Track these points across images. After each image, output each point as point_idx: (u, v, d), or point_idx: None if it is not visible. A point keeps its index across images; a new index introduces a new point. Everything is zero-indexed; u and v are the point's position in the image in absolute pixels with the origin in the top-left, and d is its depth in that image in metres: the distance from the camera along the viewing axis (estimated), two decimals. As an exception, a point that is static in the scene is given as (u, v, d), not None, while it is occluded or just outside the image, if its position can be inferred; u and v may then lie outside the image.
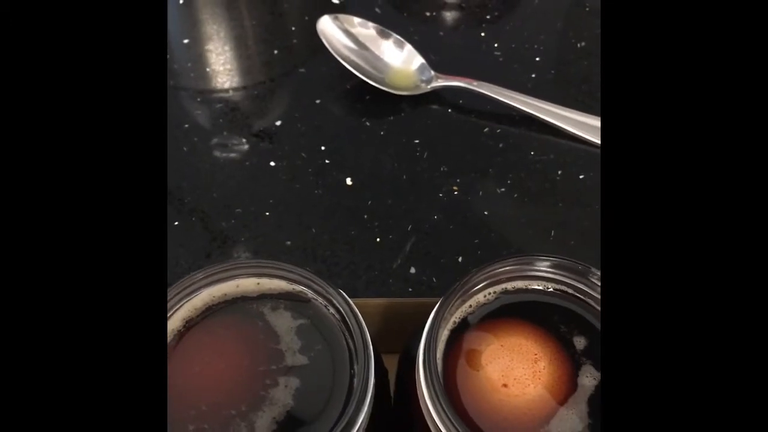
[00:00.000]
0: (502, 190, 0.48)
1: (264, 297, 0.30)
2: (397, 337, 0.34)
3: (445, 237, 0.45)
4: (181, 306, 0.30)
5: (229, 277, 0.30)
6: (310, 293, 0.30)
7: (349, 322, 0.29)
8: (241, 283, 0.30)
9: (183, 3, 0.60)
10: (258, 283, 0.31)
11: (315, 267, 0.44)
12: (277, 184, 0.48)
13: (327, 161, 0.49)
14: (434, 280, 0.43)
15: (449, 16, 0.61)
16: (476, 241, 0.45)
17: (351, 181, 0.48)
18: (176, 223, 0.45)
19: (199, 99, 0.53)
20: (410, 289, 0.43)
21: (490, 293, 0.31)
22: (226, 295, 0.30)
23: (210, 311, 0.30)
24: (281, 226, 0.45)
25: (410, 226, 0.46)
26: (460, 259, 0.44)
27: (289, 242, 0.45)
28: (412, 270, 0.44)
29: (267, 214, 0.46)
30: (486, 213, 0.47)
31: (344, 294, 0.29)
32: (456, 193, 0.48)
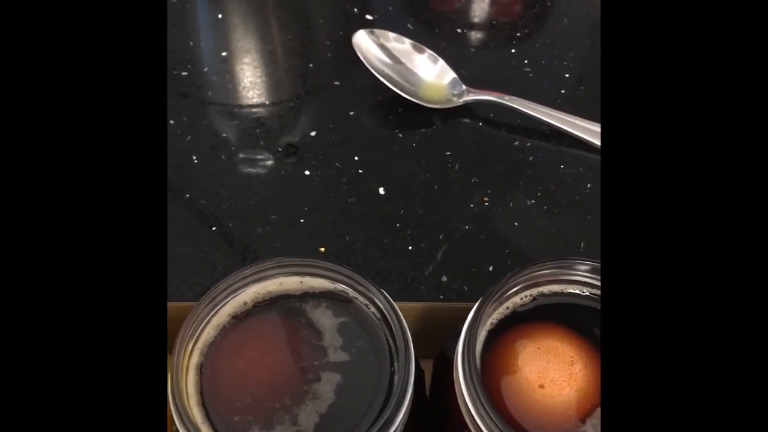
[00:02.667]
0: (532, 201, 0.49)
1: (307, 295, 0.31)
2: (431, 342, 0.35)
3: (476, 246, 0.46)
4: (227, 302, 0.31)
5: (273, 275, 0.31)
6: (351, 292, 0.31)
7: (390, 321, 0.30)
8: (284, 281, 0.31)
9: (221, 17, 0.62)
10: (301, 282, 0.31)
11: (348, 273, 0.44)
12: (312, 193, 0.49)
13: (360, 171, 0.50)
14: (466, 288, 0.44)
15: (480, 33, 0.62)
16: (506, 251, 0.46)
17: (384, 190, 0.49)
18: (213, 228, 0.46)
19: (235, 110, 0.54)
20: (441, 297, 0.44)
21: (527, 296, 0.32)
22: (270, 292, 0.31)
23: (255, 308, 0.31)
24: (315, 233, 0.46)
25: (442, 235, 0.47)
26: (490, 269, 0.45)
27: (323, 249, 0.46)
28: (444, 278, 0.45)
29: (302, 221, 0.47)
30: (516, 224, 0.47)
31: (386, 293, 0.30)
32: (487, 204, 0.48)
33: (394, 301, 0.30)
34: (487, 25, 0.63)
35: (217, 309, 0.30)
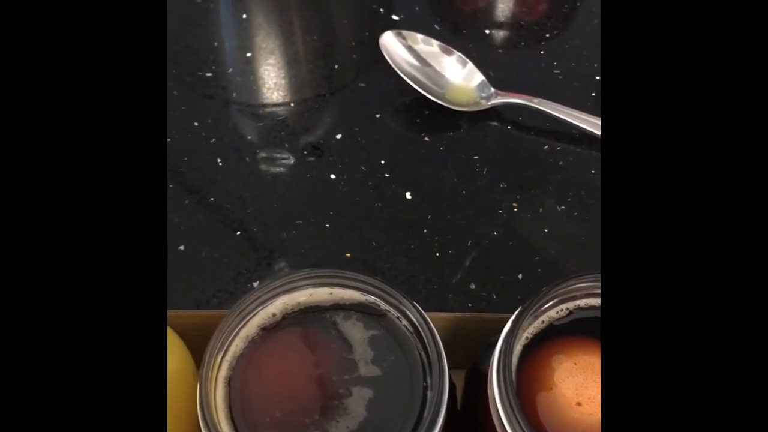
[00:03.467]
0: (562, 207, 0.48)
1: (337, 307, 0.31)
2: (461, 353, 0.34)
3: (505, 253, 0.45)
4: (256, 313, 0.30)
5: (302, 286, 0.31)
6: (383, 304, 0.30)
7: (423, 335, 0.29)
8: (314, 293, 0.31)
9: (246, 17, 0.61)
10: (331, 293, 0.31)
11: (375, 280, 0.44)
12: (338, 197, 0.48)
13: (387, 175, 0.49)
14: (494, 296, 0.43)
15: (508, 34, 0.61)
16: (536, 258, 0.45)
17: (410, 195, 0.48)
18: (238, 233, 0.46)
19: (260, 112, 0.54)
20: (470, 305, 0.43)
21: (563, 309, 0.31)
22: (299, 303, 0.30)
23: (284, 319, 0.30)
24: (342, 238, 0.46)
25: (470, 242, 0.46)
26: (520, 276, 0.44)
27: (349, 254, 0.45)
28: (472, 285, 0.44)
29: (327, 226, 0.46)
30: (546, 230, 0.46)
31: (418, 306, 0.29)
32: (516, 209, 0.48)
33: (423, 309, 0.29)
34: (516, 26, 0.61)
35: (245, 321, 0.30)
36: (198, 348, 0.34)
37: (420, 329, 0.29)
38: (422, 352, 0.29)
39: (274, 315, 0.30)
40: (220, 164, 0.50)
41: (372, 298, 0.31)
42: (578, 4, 0.63)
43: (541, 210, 0.48)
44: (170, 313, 0.36)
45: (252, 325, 0.30)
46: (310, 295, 0.31)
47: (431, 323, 0.29)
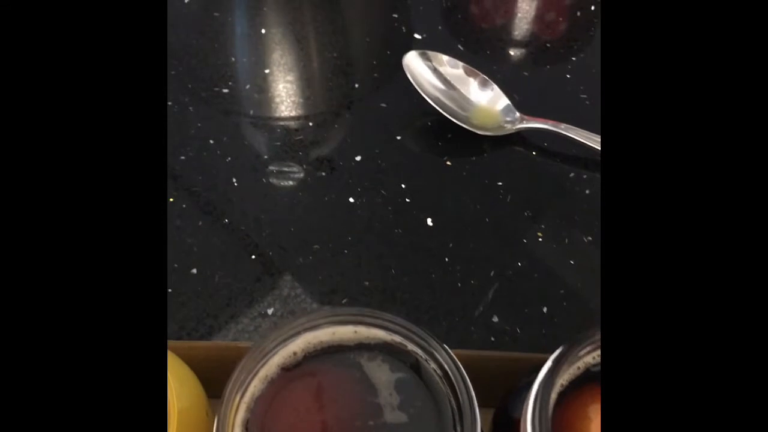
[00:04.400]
0: (589, 238, 0.46)
1: (362, 346, 0.29)
2: (484, 391, 0.33)
3: (530, 285, 0.44)
4: (276, 352, 0.28)
5: (325, 323, 0.29)
6: (410, 345, 0.29)
7: (453, 379, 0.27)
8: (337, 331, 0.29)
9: (264, 33, 0.60)
10: (355, 332, 0.29)
11: (394, 310, 0.42)
12: (356, 222, 0.46)
13: (407, 200, 0.48)
14: (518, 330, 0.42)
15: (534, 55, 0.59)
16: (562, 291, 0.43)
17: (432, 221, 0.47)
18: (253, 257, 0.44)
19: (277, 131, 0.52)
20: (493, 339, 0.41)
21: (600, 355, 0.29)
22: (322, 342, 0.29)
23: (306, 359, 0.28)
24: (360, 266, 0.44)
25: (493, 272, 0.44)
26: (545, 310, 0.42)
27: (367, 282, 0.43)
28: (495, 318, 0.42)
29: (345, 251, 0.45)
30: (572, 262, 0.45)
31: (447, 348, 0.28)
32: (541, 239, 0.46)
33: (444, 343, 0.28)
34: (541, 47, 0.60)
35: (265, 360, 0.28)
36: (211, 379, 0.32)
37: (450, 373, 0.27)
38: (452, 399, 0.27)
39: (295, 354, 0.29)
40: (236, 184, 0.48)
41: (398, 338, 0.29)
42: (604, 27, 0.62)
43: (567, 240, 0.46)
44: (182, 344, 0.34)
45: (272, 365, 0.28)
46: (333, 334, 0.29)
47: (462, 368, 0.27)
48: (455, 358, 0.28)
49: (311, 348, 0.29)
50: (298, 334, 0.29)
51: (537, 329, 0.42)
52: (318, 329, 0.29)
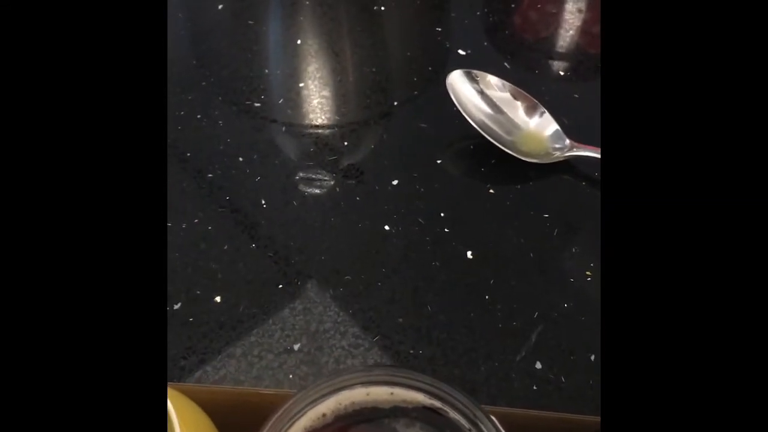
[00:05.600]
0: (642, 279, 0.42)
1: (397, 411, 0.26)
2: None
3: (577, 329, 0.40)
4: (303, 413, 0.25)
5: (358, 383, 0.26)
6: (452, 412, 0.26)
7: (500, 457, 0.24)
8: (372, 392, 0.26)
9: (300, 43, 0.57)
10: (391, 393, 0.26)
11: (430, 351, 0.39)
12: (391, 252, 0.44)
13: (446, 230, 0.45)
14: (563, 379, 0.38)
15: (585, 77, 0.56)
16: (611, 337, 0.40)
17: (471, 254, 0.44)
18: (280, 286, 0.42)
19: (311, 149, 0.50)
20: (535, 387, 0.38)
21: None
22: (354, 404, 0.26)
23: (335, 421, 0.26)
24: (394, 301, 0.41)
25: (537, 313, 0.41)
26: (592, 358, 0.39)
27: (401, 319, 0.40)
28: (538, 365, 0.39)
29: (379, 284, 0.42)
30: (623, 305, 0.41)
31: (494, 420, 0.25)
32: (589, 279, 0.43)
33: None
34: (594, 68, 0.57)
35: (291, 421, 0.25)
36: (232, 425, 0.30)
37: (497, 449, 0.24)
38: (498, 478, 0.24)
39: (324, 415, 0.26)
40: (265, 206, 0.46)
41: (439, 404, 0.26)
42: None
43: (617, 281, 0.42)
44: (201, 388, 0.32)
45: (297, 427, 0.25)
46: (367, 395, 0.26)
47: (511, 443, 0.24)
48: (502, 429, 0.25)
49: (342, 410, 0.26)
50: (329, 394, 0.26)
51: (583, 379, 0.38)
52: (350, 389, 0.26)
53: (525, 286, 0.42)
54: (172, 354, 0.39)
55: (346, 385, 0.26)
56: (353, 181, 0.47)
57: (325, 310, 0.41)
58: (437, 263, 0.43)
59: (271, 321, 0.40)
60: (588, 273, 0.43)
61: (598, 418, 0.26)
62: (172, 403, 0.25)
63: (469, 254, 0.44)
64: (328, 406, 0.26)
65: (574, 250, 0.44)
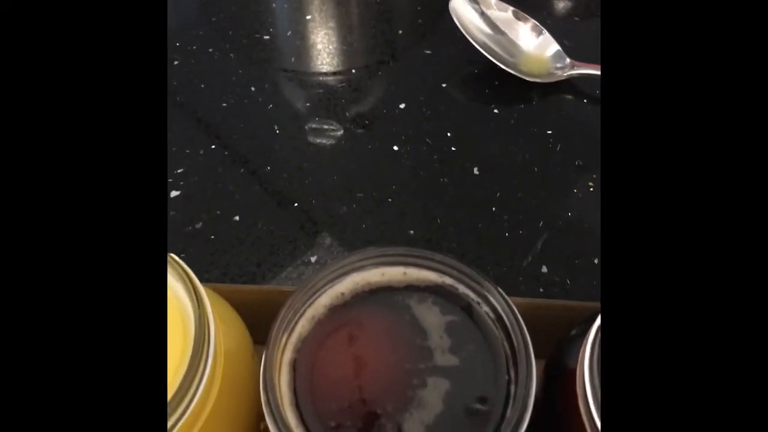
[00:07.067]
0: (643, 189, 0.44)
1: (411, 288, 0.28)
2: (535, 341, 0.32)
3: (580, 236, 0.42)
4: (323, 292, 0.28)
5: (374, 264, 0.28)
6: (462, 288, 0.28)
7: (507, 323, 0.26)
8: (386, 272, 0.28)
9: (305, -21, 0.58)
10: (405, 273, 0.28)
11: (440, 259, 0.41)
12: (401, 171, 0.45)
13: (453, 149, 0.46)
14: (568, 282, 0.40)
15: (586, 0, 0.57)
16: (613, 242, 0.42)
17: (478, 170, 0.45)
18: (295, 204, 0.44)
19: (319, 78, 0.51)
20: (542, 290, 0.40)
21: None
22: (370, 283, 0.28)
23: (353, 299, 0.28)
24: (404, 215, 0.43)
25: (542, 222, 0.43)
26: (596, 261, 0.41)
27: (412, 231, 0.42)
28: (544, 269, 0.41)
29: (390, 200, 0.44)
30: (624, 213, 0.43)
31: (502, 291, 0.27)
32: (592, 189, 0.44)
33: None
34: (592, -7, 0.57)
35: (312, 299, 0.27)
36: (256, 325, 0.32)
37: (504, 316, 0.26)
38: (506, 342, 0.26)
39: (342, 294, 0.28)
40: (278, 132, 0.47)
41: (449, 281, 0.28)
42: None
43: (619, 191, 0.44)
44: (228, 287, 0.34)
45: (319, 305, 0.27)
46: (382, 275, 0.28)
47: (516, 311, 0.26)
48: (509, 300, 0.27)
49: (359, 289, 0.28)
50: (346, 274, 0.28)
51: (588, 280, 0.40)
52: (367, 270, 0.28)
53: (530, 199, 0.44)
54: (196, 268, 0.40)
55: (362, 266, 0.28)
56: (360, 106, 0.49)
57: (339, 226, 0.43)
58: (445, 179, 0.45)
59: (287, 237, 0.42)
60: (590, 184, 0.44)
61: (598, 304, 0.28)
62: (208, 299, 0.27)
63: (475, 170, 0.45)
64: (346, 285, 0.28)
65: (576, 163, 0.45)
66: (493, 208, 0.43)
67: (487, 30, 0.49)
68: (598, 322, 0.26)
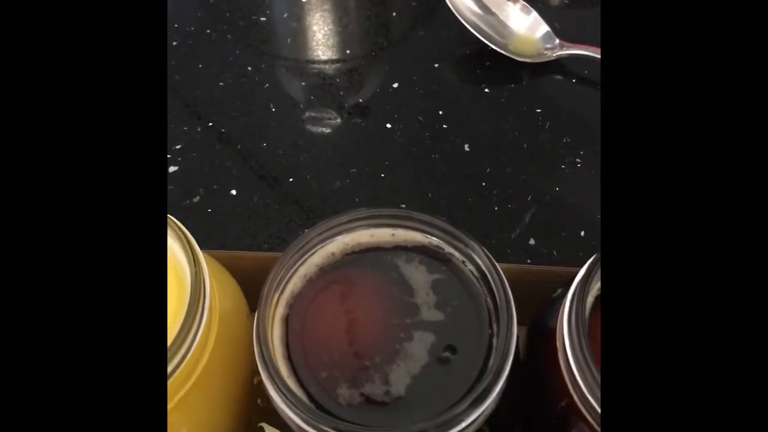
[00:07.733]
0: (629, 165, 0.45)
1: (399, 248, 0.29)
2: (519, 306, 0.33)
3: (567, 210, 0.43)
4: (315, 252, 0.29)
5: (363, 225, 0.29)
6: (447, 247, 0.29)
7: (490, 279, 0.27)
8: (375, 233, 0.29)
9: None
10: (393, 234, 0.29)
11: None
12: (393, 147, 0.46)
13: (445, 126, 0.47)
14: (555, 253, 0.41)
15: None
16: (599, 216, 0.43)
17: (469, 147, 0.46)
18: (291, 180, 0.45)
19: (315, 59, 0.52)
20: (529, 261, 0.41)
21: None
22: (360, 244, 0.29)
23: (343, 259, 0.29)
24: (397, 189, 0.44)
25: (530, 197, 0.44)
26: (582, 234, 0.42)
27: (404, 205, 0.44)
28: (532, 241, 0.42)
29: (382, 175, 0.45)
30: (611, 188, 0.44)
31: (485, 250, 0.28)
32: (579, 165, 0.45)
33: None
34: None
35: (304, 259, 0.29)
36: (251, 290, 0.33)
37: (487, 273, 0.28)
38: (488, 298, 0.27)
39: (333, 254, 0.29)
40: (273, 110, 0.49)
41: (436, 241, 0.29)
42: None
43: (606, 167, 0.45)
44: (224, 253, 0.35)
45: (311, 264, 0.29)
46: (371, 236, 0.29)
47: (499, 267, 0.27)
48: (493, 259, 0.28)
49: (349, 249, 0.29)
50: (336, 235, 0.29)
51: (574, 252, 0.42)
52: (356, 231, 0.29)
53: (519, 174, 0.45)
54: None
55: (351, 228, 0.29)
56: (355, 85, 0.50)
57: (333, 199, 0.44)
58: (437, 156, 0.46)
59: (282, 210, 0.43)
60: (578, 160, 0.46)
61: (572, 268, 0.29)
62: (206, 265, 0.28)
63: (466, 147, 0.46)
64: (337, 246, 0.29)
65: (564, 140, 0.47)
66: (483, 183, 0.44)
67: (479, 11, 0.50)
68: (577, 278, 0.27)
